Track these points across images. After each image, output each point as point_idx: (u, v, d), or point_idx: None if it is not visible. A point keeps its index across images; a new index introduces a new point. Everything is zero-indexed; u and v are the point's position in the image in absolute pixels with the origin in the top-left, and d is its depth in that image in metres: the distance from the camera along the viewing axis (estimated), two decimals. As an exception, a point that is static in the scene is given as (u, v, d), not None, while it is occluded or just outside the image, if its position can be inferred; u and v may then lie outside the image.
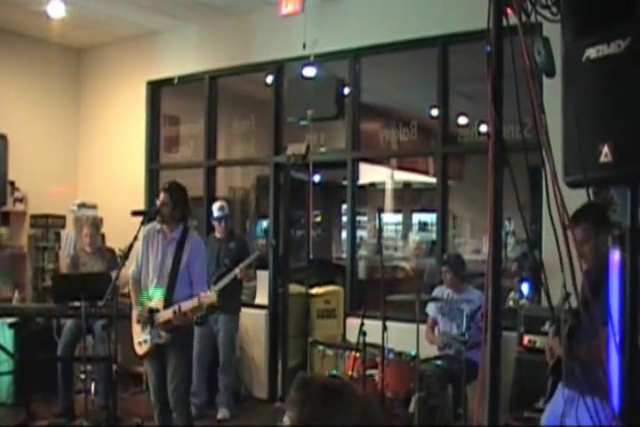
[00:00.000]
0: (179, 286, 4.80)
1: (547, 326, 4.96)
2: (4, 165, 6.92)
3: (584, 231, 3.26)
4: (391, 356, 5.11)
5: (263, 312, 7.19)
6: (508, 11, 1.99)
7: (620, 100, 1.81)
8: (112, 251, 6.68)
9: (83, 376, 6.16)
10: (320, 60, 6.84)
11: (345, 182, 7.10)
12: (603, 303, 2.14)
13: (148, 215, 5.13)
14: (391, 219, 12.16)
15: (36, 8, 7.20)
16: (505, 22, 1.98)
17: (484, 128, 6.24)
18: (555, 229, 1.95)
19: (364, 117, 7.11)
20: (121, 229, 5.84)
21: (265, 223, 9.41)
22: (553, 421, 3.38)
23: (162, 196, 4.95)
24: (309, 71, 6.77)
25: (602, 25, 1.85)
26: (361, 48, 6.82)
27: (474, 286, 5.76)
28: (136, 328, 4.95)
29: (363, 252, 10.06)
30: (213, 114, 8.08)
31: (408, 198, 12.06)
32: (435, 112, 6.53)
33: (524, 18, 2.03)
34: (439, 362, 5.28)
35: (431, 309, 5.74)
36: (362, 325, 4.98)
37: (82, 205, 8.27)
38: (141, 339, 4.91)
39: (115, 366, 5.04)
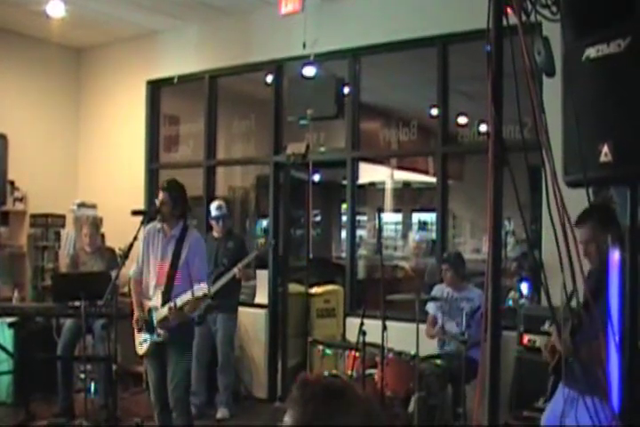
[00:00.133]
0: (178, 284, 4.79)
1: (546, 326, 4.98)
2: (3, 165, 6.93)
3: (591, 230, 3.25)
4: (391, 355, 5.11)
5: (263, 312, 7.19)
6: (508, 10, 1.99)
7: (619, 99, 1.81)
8: (112, 250, 6.68)
9: (82, 376, 6.14)
10: (320, 59, 6.84)
11: (345, 182, 7.10)
12: (604, 306, 2.14)
13: (147, 215, 5.14)
14: (391, 218, 12.15)
15: (35, 8, 7.20)
16: (505, 22, 1.98)
17: (483, 128, 6.24)
18: (554, 229, 1.95)
19: (364, 117, 7.11)
20: (121, 228, 5.84)
21: (265, 223, 9.41)
22: (553, 420, 3.38)
23: (161, 195, 4.95)
24: (309, 71, 6.77)
25: (602, 24, 1.85)
26: (361, 48, 6.82)
27: (474, 284, 5.77)
28: (136, 330, 4.96)
29: (362, 251, 10.06)
30: (213, 113, 8.08)
31: (408, 198, 12.06)
32: (434, 112, 6.53)
33: (523, 17, 2.03)
34: (439, 361, 5.28)
35: (431, 307, 5.75)
36: (361, 324, 4.98)
37: (81, 205, 8.28)
38: (141, 339, 4.92)
39: (114, 366, 5.05)
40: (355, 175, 6.99)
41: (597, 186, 3.00)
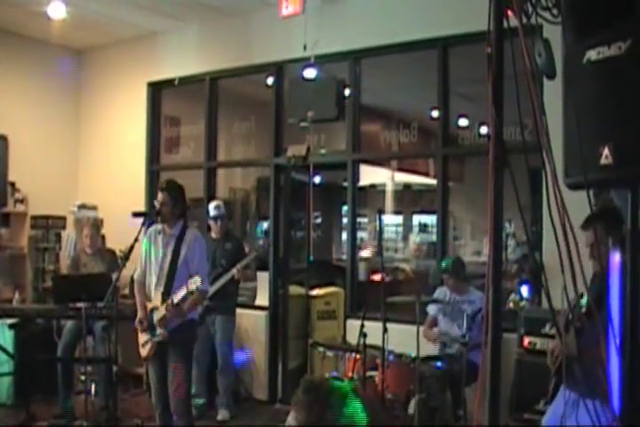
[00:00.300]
0: (177, 282, 4.79)
1: (547, 328, 4.98)
2: (4, 166, 6.94)
3: (597, 233, 3.24)
4: (391, 357, 5.11)
5: (263, 313, 7.19)
6: (509, 12, 1.99)
7: (620, 101, 1.81)
8: (112, 252, 6.69)
9: (83, 377, 6.16)
10: (320, 61, 6.84)
11: (345, 184, 7.10)
12: (606, 312, 2.14)
13: (148, 216, 5.14)
14: (391, 220, 12.16)
15: (36, 9, 7.21)
16: (505, 24, 1.98)
17: (484, 130, 6.25)
18: (555, 231, 1.95)
19: (365, 119, 7.11)
20: (121, 230, 5.85)
21: (265, 225, 9.42)
22: (554, 421, 3.38)
23: (160, 195, 4.96)
24: (310, 73, 6.77)
25: (602, 25, 1.85)
26: (361, 49, 6.82)
27: (474, 286, 5.76)
28: (140, 332, 4.97)
29: (363, 253, 10.06)
30: (214, 115, 8.08)
31: (408, 200, 12.06)
32: (435, 114, 6.53)
33: (524, 20, 2.03)
34: (439, 364, 5.28)
35: (432, 308, 5.75)
36: (362, 326, 4.98)
37: (82, 206, 8.28)
38: (143, 340, 4.93)
39: (115, 367, 5.05)
40: (355, 177, 6.99)
41: (598, 188, 3.00)
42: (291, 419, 1.52)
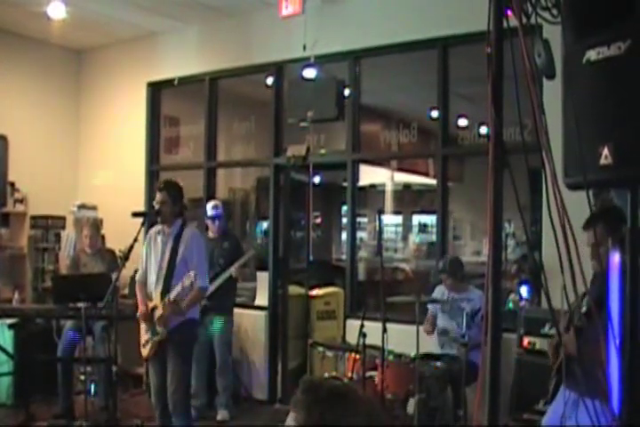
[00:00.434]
0: (176, 280, 4.80)
1: (547, 328, 4.98)
2: (4, 166, 6.93)
3: (598, 234, 3.23)
4: (391, 358, 5.11)
5: (263, 313, 7.18)
6: (509, 12, 1.99)
7: (620, 101, 1.81)
8: (112, 252, 6.68)
9: (82, 377, 6.16)
10: (320, 61, 6.84)
11: (345, 184, 7.10)
12: (606, 312, 2.14)
13: (148, 216, 5.16)
14: (391, 220, 12.15)
15: (36, 9, 7.20)
16: (505, 24, 1.98)
17: (484, 130, 6.25)
18: (555, 231, 1.95)
19: (365, 119, 7.11)
20: (121, 230, 5.85)
21: (265, 225, 9.41)
22: (554, 421, 3.38)
23: (159, 195, 4.97)
24: (310, 73, 6.77)
25: (602, 25, 1.85)
26: (361, 50, 6.82)
27: (474, 286, 5.76)
28: (142, 331, 4.97)
29: (363, 253, 10.06)
30: (213, 115, 8.08)
31: (408, 200, 12.06)
32: (435, 114, 6.53)
33: (524, 20, 2.03)
34: (439, 364, 5.28)
35: (432, 305, 5.75)
36: (362, 326, 4.98)
37: (82, 207, 8.28)
38: (144, 340, 4.94)
39: (115, 368, 5.05)
40: (355, 177, 6.99)
41: (597, 188, 3.00)
42: (290, 420, 1.52)
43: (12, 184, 7.91)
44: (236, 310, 6.86)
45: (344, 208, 8.68)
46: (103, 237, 7.29)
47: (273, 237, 7.34)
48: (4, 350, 6.27)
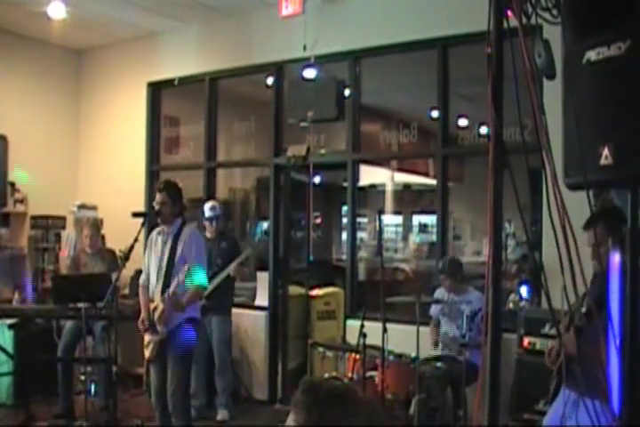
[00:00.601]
0: (175, 277, 4.80)
1: (547, 329, 4.98)
2: (4, 166, 6.93)
3: (599, 234, 3.23)
4: (391, 358, 5.11)
5: (263, 314, 7.18)
6: (509, 13, 1.99)
7: (620, 102, 1.81)
8: (112, 252, 6.68)
9: (83, 377, 6.16)
10: (320, 61, 6.84)
11: (345, 184, 7.10)
12: (606, 312, 2.14)
13: (148, 217, 5.16)
14: (391, 220, 12.15)
15: (36, 9, 7.20)
16: (505, 24, 1.98)
17: (484, 130, 6.25)
18: (555, 232, 1.95)
19: (365, 119, 7.11)
20: (121, 230, 5.85)
21: (265, 225, 9.41)
22: (555, 421, 3.38)
23: (159, 196, 4.98)
24: (310, 73, 6.77)
25: (602, 25, 1.85)
26: (361, 50, 6.82)
27: (474, 287, 5.76)
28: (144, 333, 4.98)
29: (363, 253, 10.06)
30: (214, 115, 8.08)
31: (408, 200, 12.06)
32: (435, 114, 6.53)
33: (524, 20, 2.03)
34: (439, 364, 5.28)
35: (433, 310, 5.75)
36: (362, 326, 4.98)
37: (82, 207, 8.28)
38: (146, 342, 4.94)
39: (115, 368, 5.05)
40: (355, 177, 6.99)
41: (598, 189, 3.00)
42: (290, 420, 1.52)
43: (12, 184, 7.91)
44: (236, 310, 6.86)
45: (344, 208, 8.68)
46: (103, 238, 7.29)
47: (273, 237, 7.34)
48: (5, 351, 6.28)
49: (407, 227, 12.38)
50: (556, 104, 2.08)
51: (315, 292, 7.07)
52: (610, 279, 2.28)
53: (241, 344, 7.20)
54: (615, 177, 1.86)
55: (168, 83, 8.28)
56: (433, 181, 7.14)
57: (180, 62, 8.15)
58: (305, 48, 6.77)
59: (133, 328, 5.11)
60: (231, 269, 6.36)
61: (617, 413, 2.03)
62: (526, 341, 5.16)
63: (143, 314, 4.94)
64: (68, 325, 6.23)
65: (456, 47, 6.30)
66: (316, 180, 9.22)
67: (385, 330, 4.84)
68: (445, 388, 5.12)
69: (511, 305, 5.18)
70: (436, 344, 5.59)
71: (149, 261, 5.06)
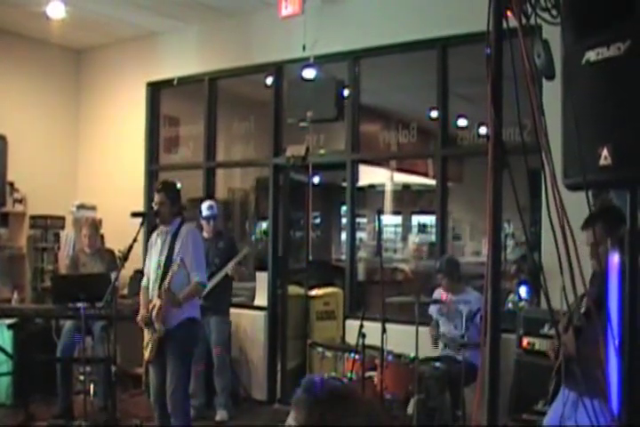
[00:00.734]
0: (173, 276, 4.79)
1: (546, 329, 4.98)
2: (3, 166, 6.92)
3: (598, 233, 3.22)
4: (390, 358, 5.11)
5: (262, 314, 7.18)
6: (508, 13, 1.99)
7: (619, 102, 1.81)
8: (111, 252, 6.68)
9: (82, 377, 6.16)
10: (320, 61, 6.84)
11: (344, 184, 7.10)
12: (605, 312, 2.14)
13: (147, 217, 5.17)
14: (390, 221, 12.15)
15: (35, 9, 7.20)
16: (505, 24, 1.98)
17: (483, 130, 6.25)
18: (554, 232, 1.95)
19: (364, 119, 7.11)
20: (120, 230, 5.85)
21: (264, 225, 9.41)
22: (554, 421, 3.38)
23: (157, 196, 4.99)
24: (309, 73, 6.77)
25: (602, 25, 1.85)
26: (361, 50, 6.83)
27: (473, 287, 5.77)
28: (145, 333, 4.98)
29: (362, 253, 10.06)
30: (213, 115, 8.08)
31: (407, 200, 12.06)
32: (434, 114, 6.53)
33: (523, 20, 2.03)
34: (438, 364, 5.28)
35: (433, 310, 5.75)
36: (361, 326, 4.98)
37: (81, 206, 8.28)
38: (145, 342, 4.94)
39: (114, 368, 5.04)
40: (354, 177, 6.99)
41: (597, 189, 3.00)
42: (291, 419, 1.53)
43: (12, 184, 7.90)
44: (236, 310, 6.86)
45: (343, 208, 8.67)
46: (102, 237, 7.29)
47: (272, 237, 7.34)
48: (4, 350, 6.27)
49: (406, 227, 12.38)
50: (555, 104, 2.09)
51: (314, 292, 7.07)
52: (609, 280, 2.28)
53: (240, 344, 7.20)
54: (614, 178, 1.86)
55: (168, 83, 8.28)
56: (432, 182, 7.14)
57: (180, 62, 8.15)
58: (304, 48, 6.77)
59: (133, 328, 5.11)
60: (229, 268, 6.36)
61: (616, 413, 2.03)
62: (525, 341, 5.15)
63: (142, 312, 4.94)
64: (68, 325, 6.23)
65: (456, 47, 6.30)
66: (316, 180, 9.23)
67: (384, 330, 4.84)
68: (444, 388, 5.12)
69: (510, 305, 5.19)
70: (435, 342, 5.60)
71: (150, 262, 5.07)
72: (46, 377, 6.28)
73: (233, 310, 6.76)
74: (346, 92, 6.73)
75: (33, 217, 8.27)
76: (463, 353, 4.98)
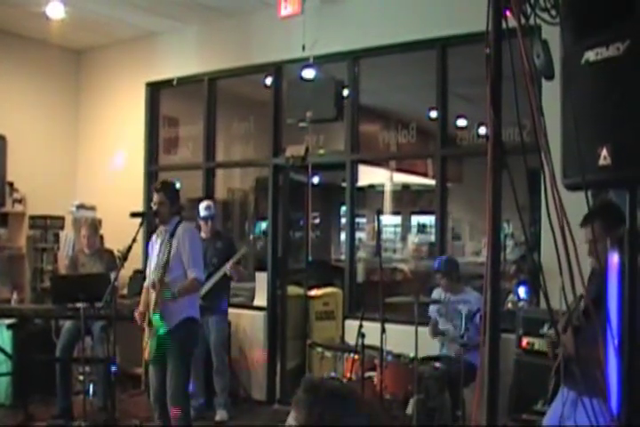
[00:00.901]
0: (171, 274, 4.80)
1: (545, 329, 4.98)
2: (3, 166, 6.94)
3: (596, 230, 3.22)
4: (390, 358, 5.11)
5: (262, 314, 7.18)
6: (507, 13, 1.99)
7: (619, 102, 1.81)
8: (111, 252, 6.67)
9: (81, 378, 6.16)
10: (319, 61, 6.84)
11: (344, 184, 7.10)
12: (605, 311, 2.14)
13: (146, 217, 5.17)
14: (390, 221, 12.16)
15: (35, 9, 7.20)
16: (504, 25, 1.98)
17: (482, 130, 6.25)
18: (553, 232, 1.95)
19: (363, 119, 7.11)
20: (120, 230, 5.84)
21: (264, 225, 9.42)
22: (554, 421, 3.38)
23: (156, 196, 4.99)
24: (309, 73, 6.77)
25: (601, 25, 1.85)
26: (360, 50, 6.83)
27: (472, 287, 5.77)
28: (145, 334, 4.98)
29: (361, 254, 10.06)
30: (212, 115, 8.08)
31: (407, 200, 12.07)
32: (434, 114, 6.53)
33: (523, 20, 2.03)
34: (437, 364, 5.28)
35: (432, 310, 5.76)
36: (360, 327, 4.98)
37: (80, 207, 8.28)
38: (145, 342, 4.94)
39: (114, 368, 5.04)
40: (354, 177, 6.99)
41: (596, 189, 3.00)
42: (291, 419, 1.53)
43: (11, 184, 7.91)
44: (235, 311, 6.86)
45: (343, 208, 8.68)
46: (102, 238, 7.29)
47: (272, 237, 7.34)
48: (3, 351, 6.27)
49: (406, 227, 12.39)
50: (554, 105, 2.09)
51: (313, 292, 7.07)
52: (608, 279, 2.28)
53: (240, 344, 7.19)
54: (614, 177, 1.86)
55: (167, 83, 8.28)
56: (432, 182, 7.15)
57: (180, 62, 8.15)
58: (304, 48, 6.77)
59: (132, 328, 5.11)
60: (227, 268, 6.36)
61: (615, 412, 2.03)
62: (525, 341, 5.15)
63: (141, 308, 4.95)
64: (67, 325, 6.23)
65: (455, 47, 6.30)
66: (315, 180, 9.24)
67: (383, 330, 4.84)
68: (444, 388, 5.12)
69: (510, 305, 5.18)
70: (435, 335, 5.60)
71: (150, 263, 5.07)
72: (46, 377, 6.27)
73: (232, 311, 6.76)
74: (345, 93, 6.73)
75: (32, 217, 8.27)
76: (462, 353, 4.98)
